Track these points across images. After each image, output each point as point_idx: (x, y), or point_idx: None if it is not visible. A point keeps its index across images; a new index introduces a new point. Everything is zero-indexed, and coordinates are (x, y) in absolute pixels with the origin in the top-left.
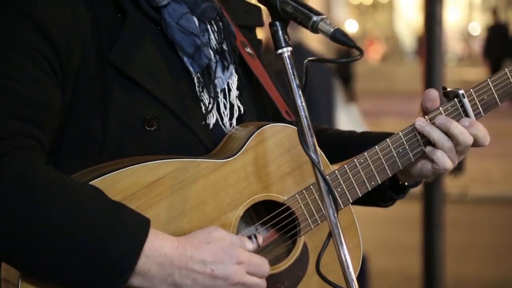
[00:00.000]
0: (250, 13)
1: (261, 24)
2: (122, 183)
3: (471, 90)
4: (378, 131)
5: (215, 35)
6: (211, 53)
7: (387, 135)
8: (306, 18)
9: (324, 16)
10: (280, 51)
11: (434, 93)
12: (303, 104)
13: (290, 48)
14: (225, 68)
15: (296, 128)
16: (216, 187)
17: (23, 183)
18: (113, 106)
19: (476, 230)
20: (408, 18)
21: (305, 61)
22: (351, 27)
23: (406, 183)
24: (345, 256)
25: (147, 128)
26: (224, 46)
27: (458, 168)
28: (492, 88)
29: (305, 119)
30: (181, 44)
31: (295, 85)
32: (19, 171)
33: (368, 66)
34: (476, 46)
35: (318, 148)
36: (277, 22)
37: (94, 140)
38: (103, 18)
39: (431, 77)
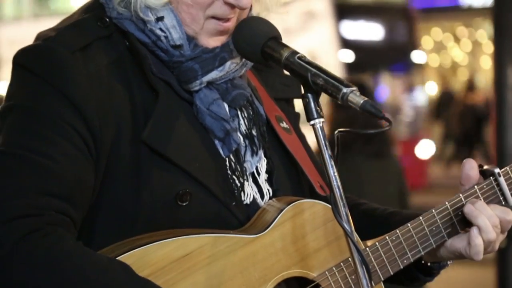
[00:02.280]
0: (289, 86)
1: (299, 96)
2: (151, 258)
3: (507, 168)
4: (410, 212)
5: (245, 121)
6: (241, 138)
7: (418, 214)
8: (336, 90)
9: (354, 88)
10: (312, 122)
11: (472, 173)
12: (336, 174)
13: (322, 120)
14: (254, 153)
15: (325, 204)
16: (244, 262)
17: (52, 259)
18: (145, 182)
19: None
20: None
21: (336, 132)
22: (431, 89)
23: (429, 264)
24: None
25: (180, 203)
26: (254, 132)
27: None
28: None
29: (337, 189)
30: (211, 128)
31: (327, 155)
32: (48, 247)
33: None
34: None
35: (351, 219)
36: (309, 94)
37: (127, 214)
38: (138, 97)
39: (502, 141)
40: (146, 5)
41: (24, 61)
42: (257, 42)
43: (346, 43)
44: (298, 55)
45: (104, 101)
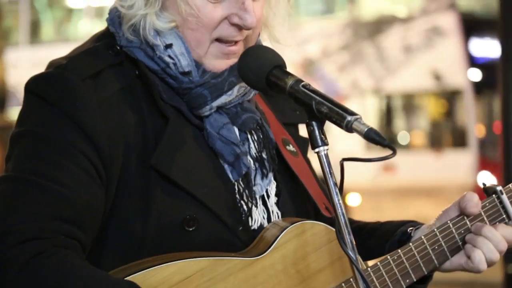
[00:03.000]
0: (298, 111)
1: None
2: (151, 282)
3: (510, 186)
4: (400, 221)
5: (255, 144)
6: (251, 161)
7: (407, 222)
8: (341, 118)
9: (358, 116)
10: (317, 149)
11: (476, 202)
12: (341, 202)
13: (326, 147)
14: (264, 176)
15: (326, 226)
16: (244, 285)
17: (58, 278)
18: (153, 206)
19: None
20: None
21: (341, 160)
22: None
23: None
24: None
25: (187, 229)
26: (264, 155)
27: None
28: None
29: (342, 217)
30: (221, 152)
31: (332, 183)
32: (54, 266)
33: None
34: None
35: (355, 247)
36: (313, 122)
37: (134, 238)
38: (149, 123)
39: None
40: (154, 28)
41: (35, 88)
42: (262, 70)
43: (473, 61)
44: (302, 83)
45: (115, 128)
